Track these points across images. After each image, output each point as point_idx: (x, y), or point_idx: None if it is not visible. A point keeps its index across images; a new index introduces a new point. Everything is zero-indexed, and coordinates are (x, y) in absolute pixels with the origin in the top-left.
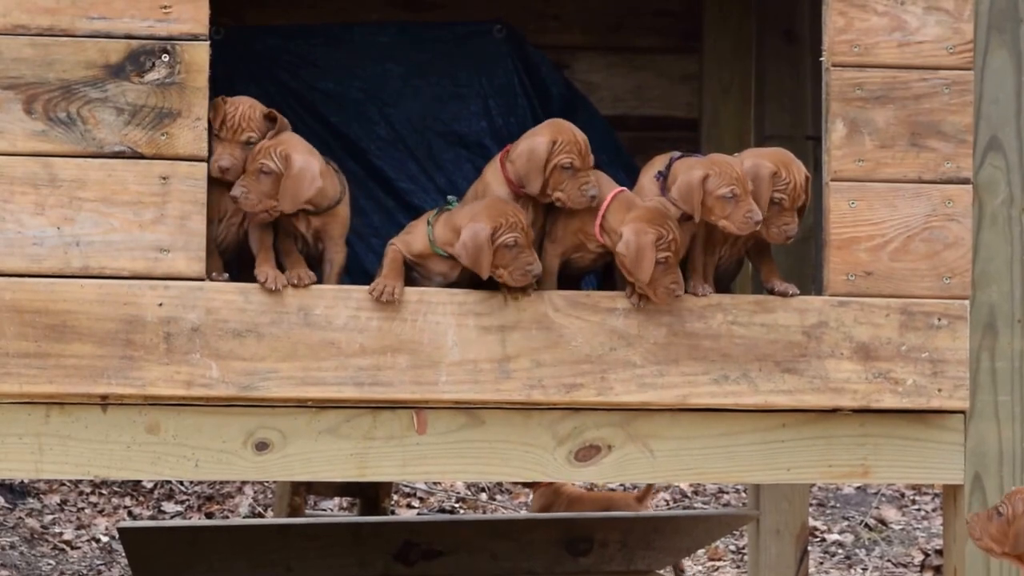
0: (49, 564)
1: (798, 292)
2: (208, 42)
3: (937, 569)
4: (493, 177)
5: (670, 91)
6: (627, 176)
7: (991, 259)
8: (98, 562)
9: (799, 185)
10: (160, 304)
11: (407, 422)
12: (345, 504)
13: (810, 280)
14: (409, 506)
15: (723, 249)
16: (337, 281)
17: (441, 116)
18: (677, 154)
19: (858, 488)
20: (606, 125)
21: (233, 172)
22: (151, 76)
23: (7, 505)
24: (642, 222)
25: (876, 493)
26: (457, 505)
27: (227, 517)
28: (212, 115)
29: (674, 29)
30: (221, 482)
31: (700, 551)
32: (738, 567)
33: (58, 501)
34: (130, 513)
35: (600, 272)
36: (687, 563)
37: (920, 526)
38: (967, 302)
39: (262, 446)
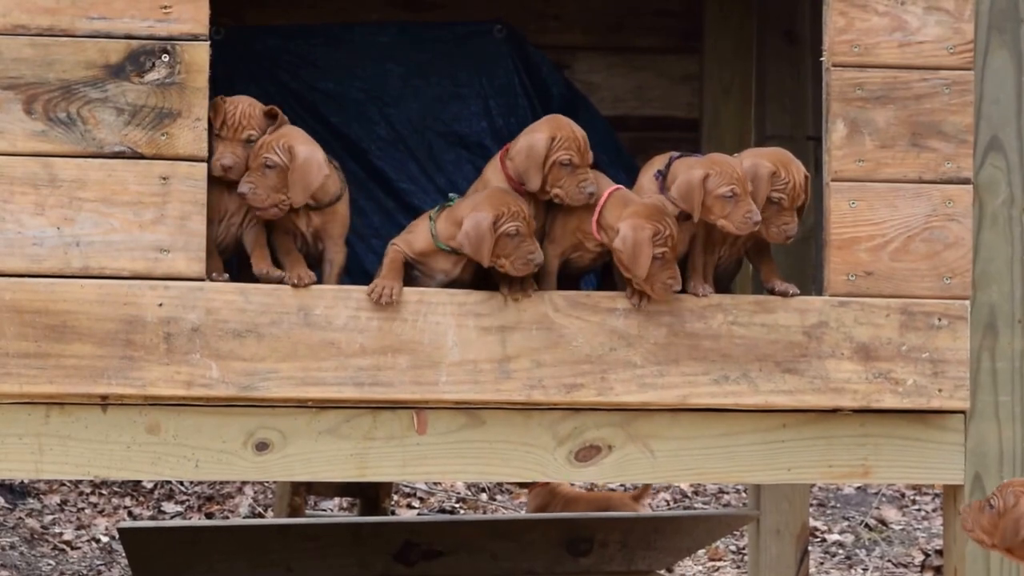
0: (49, 564)
1: (798, 292)
2: (208, 42)
3: (937, 569)
4: (493, 175)
5: (671, 91)
6: (628, 177)
7: (991, 259)
8: (98, 562)
9: (798, 185)
10: (160, 304)
11: (407, 422)
12: (345, 504)
13: (810, 280)
14: (409, 506)
15: (722, 249)
16: (337, 281)
17: (441, 116)
18: (676, 154)
19: (858, 488)
20: (607, 125)
21: (236, 171)
22: (151, 76)
23: (7, 505)
24: (639, 218)
25: (876, 493)
26: (457, 505)
27: (227, 517)
28: (212, 114)
29: (675, 29)
30: (221, 482)
31: (700, 551)
32: (738, 567)
33: (58, 501)
34: (130, 513)
35: (600, 272)
36: (687, 563)
37: (920, 526)
38: (967, 302)
39: (262, 446)
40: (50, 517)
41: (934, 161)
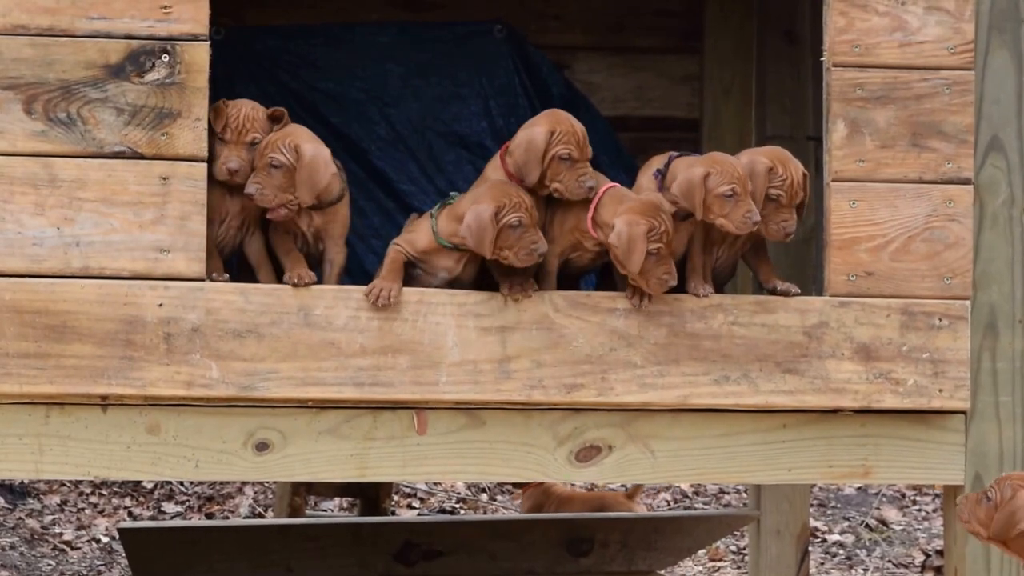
0: (49, 565)
1: (799, 292)
2: (208, 42)
3: (938, 570)
4: (494, 173)
5: (671, 92)
6: (628, 177)
7: (992, 259)
8: (98, 563)
9: (796, 181)
10: (160, 304)
11: (407, 422)
12: (345, 504)
13: (811, 281)
14: (409, 506)
15: (720, 250)
16: (337, 281)
17: (442, 116)
18: (675, 154)
19: (859, 488)
20: (607, 126)
21: (242, 174)
22: (151, 76)
23: (7, 505)
24: (634, 214)
25: (877, 494)
26: (457, 505)
27: (227, 518)
28: (214, 118)
29: (675, 29)
30: (221, 483)
31: (701, 551)
32: (739, 567)
33: (58, 502)
34: (130, 514)
35: (599, 272)
36: (688, 563)
37: (921, 527)
38: (968, 302)
39: (262, 446)
40: (50, 517)
41: (934, 161)
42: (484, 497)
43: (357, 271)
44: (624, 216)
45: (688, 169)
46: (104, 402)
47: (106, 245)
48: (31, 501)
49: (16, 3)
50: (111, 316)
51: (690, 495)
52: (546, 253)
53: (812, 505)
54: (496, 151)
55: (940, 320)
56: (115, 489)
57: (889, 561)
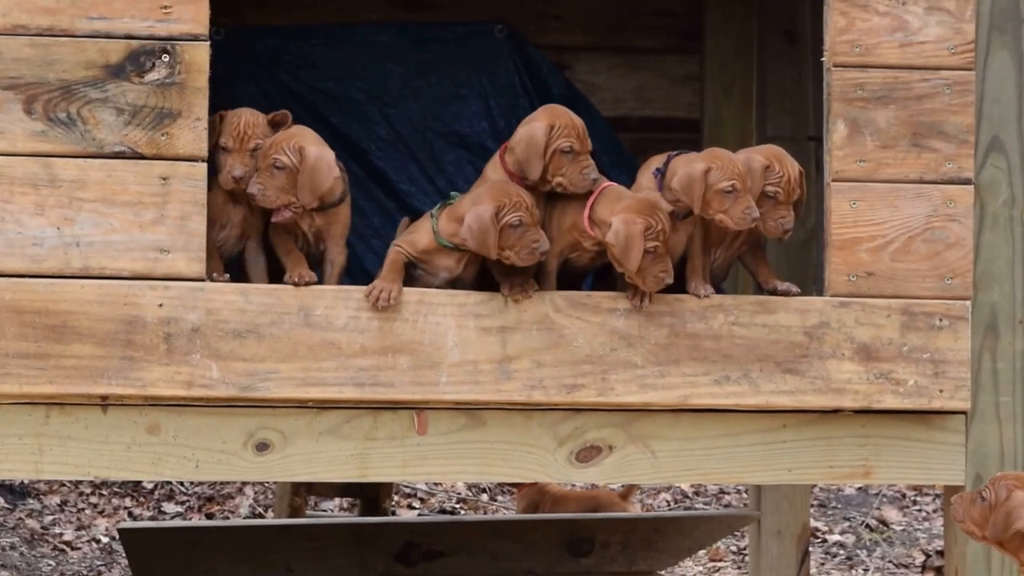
0: (49, 565)
1: (799, 292)
2: (208, 42)
3: (938, 570)
4: (494, 172)
5: (671, 92)
6: (629, 177)
7: (993, 260)
8: (98, 563)
9: (793, 179)
10: (160, 305)
11: (408, 423)
12: (346, 505)
13: (812, 281)
14: (410, 507)
15: (717, 251)
16: (338, 282)
17: (442, 117)
18: (675, 152)
19: (859, 489)
20: (607, 126)
21: (246, 181)
22: (151, 76)
23: (7, 506)
24: (631, 212)
25: (877, 494)
26: (458, 506)
27: (227, 518)
28: (215, 130)
29: (675, 30)
30: (221, 483)
31: (701, 552)
32: (739, 568)
33: (58, 502)
34: (130, 514)
35: (596, 272)
36: (688, 563)
37: (921, 527)
38: (968, 303)
39: (263, 447)
40: (50, 517)
41: (935, 161)
42: (484, 497)
43: (357, 271)
44: (621, 214)
45: (688, 164)
46: (104, 402)
47: (106, 245)
48: (31, 501)
49: (16, 3)
50: (111, 316)
51: (690, 495)
52: (547, 249)
53: (812, 505)
54: (496, 151)
55: (941, 320)
56: (115, 489)
57: (890, 561)
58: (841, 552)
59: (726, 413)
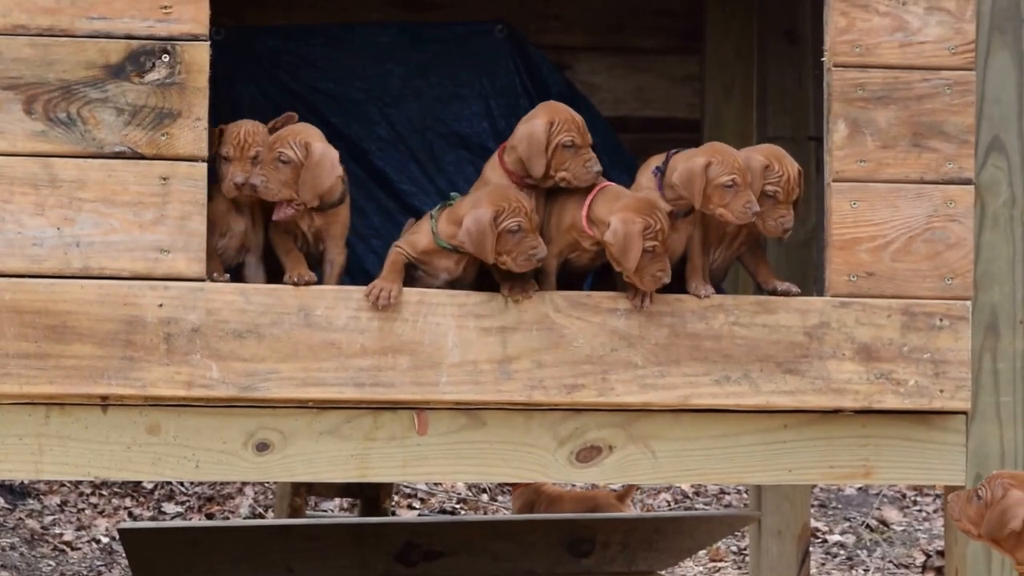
0: (49, 565)
1: (800, 292)
2: (208, 42)
3: (939, 570)
4: (493, 172)
5: (672, 92)
6: (629, 178)
7: (993, 260)
8: (98, 563)
9: (792, 178)
10: (160, 305)
11: (408, 423)
12: (346, 505)
13: (812, 282)
14: (410, 507)
15: (717, 251)
16: (338, 282)
17: (442, 117)
18: (674, 151)
19: (859, 489)
20: (607, 126)
21: (248, 187)
22: (151, 76)
23: (7, 506)
24: (629, 211)
25: (877, 494)
26: (458, 506)
27: (227, 518)
28: (215, 142)
29: (675, 30)
30: (221, 483)
31: (702, 552)
32: (739, 568)
33: (58, 502)
34: (130, 514)
35: (594, 272)
36: (688, 563)
37: (921, 527)
38: (969, 303)
39: (263, 447)
40: (50, 518)
41: (935, 161)
42: (485, 497)
43: (357, 271)
44: (619, 214)
45: (689, 159)
46: (104, 402)
47: (106, 245)
48: (31, 501)
49: (16, 3)
50: (111, 316)
51: (690, 495)
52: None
53: (813, 506)
54: (496, 152)
55: (941, 320)
56: (115, 489)
57: (890, 562)
58: (841, 552)
59: (726, 413)
